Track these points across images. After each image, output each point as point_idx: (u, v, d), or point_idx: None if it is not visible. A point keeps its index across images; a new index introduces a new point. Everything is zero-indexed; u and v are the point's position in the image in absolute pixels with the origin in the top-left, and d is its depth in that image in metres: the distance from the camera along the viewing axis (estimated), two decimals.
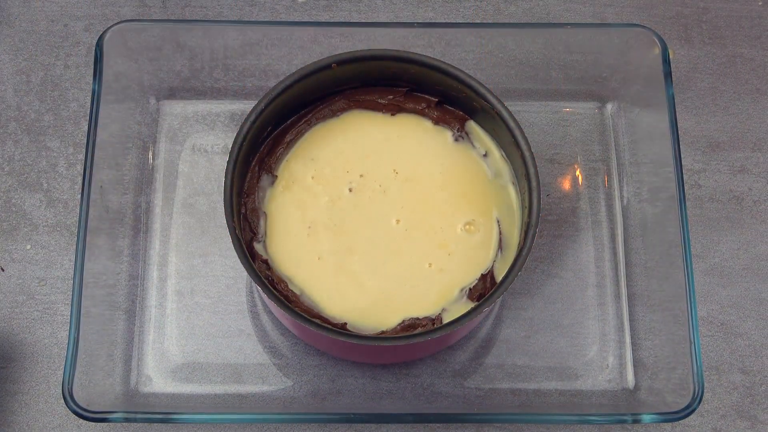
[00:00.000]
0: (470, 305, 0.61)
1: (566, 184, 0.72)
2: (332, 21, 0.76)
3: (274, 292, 0.61)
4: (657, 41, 0.69)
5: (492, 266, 0.63)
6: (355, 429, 0.67)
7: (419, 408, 0.67)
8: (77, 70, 0.74)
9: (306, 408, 0.67)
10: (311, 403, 0.67)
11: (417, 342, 0.58)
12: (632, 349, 0.68)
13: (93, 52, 0.71)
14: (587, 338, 0.69)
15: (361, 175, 0.64)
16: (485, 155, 0.65)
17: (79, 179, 0.71)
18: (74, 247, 0.69)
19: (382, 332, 0.61)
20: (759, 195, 0.73)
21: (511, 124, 0.62)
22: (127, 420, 0.63)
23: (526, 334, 0.69)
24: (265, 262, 0.62)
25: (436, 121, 0.66)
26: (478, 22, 0.76)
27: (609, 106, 0.74)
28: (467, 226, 0.63)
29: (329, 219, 0.63)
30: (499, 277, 0.62)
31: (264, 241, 0.63)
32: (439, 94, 0.66)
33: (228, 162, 0.61)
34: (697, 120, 0.74)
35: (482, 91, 0.63)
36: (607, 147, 0.73)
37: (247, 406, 0.67)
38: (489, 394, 0.67)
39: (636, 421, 0.64)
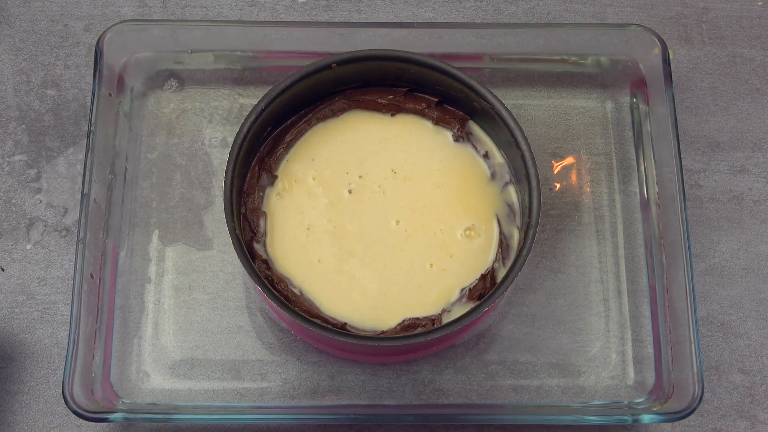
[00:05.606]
0: (470, 305, 0.61)
1: (568, 179, 0.72)
2: (332, 21, 0.76)
3: (274, 292, 0.61)
4: (657, 41, 0.69)
5: (492, 266, 0.63)
6: (355, 427, 0.67)
7: (420, 406, 0.66)
8: (77, 70, 0.74)
9: (305, 405, 0.66)
10: (310, 399, 0.67)
11: (417, 342, 0.58)
12: (633, 348, 0.68)
13: (93, 52, 0.70)
14: (590, 335, 0.68)
15: (360, 176, 0.64)
16: (485, 155, 0.65)
17: (79, 179, 0.71)
18: (74, 246, 0.69)
19: (382, 332, 0.61)
20: (759, 195, 0.73)
21: (511, 124, 0.62)
22: (126, 420, 0.63)
23: (528, 330, 0.68)
24: (265, 262, 0.62)
25: (436, 122, 0.66)
26: (478, 22, 0.76)
27: (609, 106, 0.73)
28: (467, 231, 0.63)
29: (329, 221, 0.63)
30: (499, 277, 0.62)
31: (264, 241, 0.63)
32: (439, 94, 0.66)
33: (228, 161, 0.61)
34: (697, 120, 0.74)
35: (482, 90, 0.63)
36: (609, 144, 0.72)
37: (246, 402, 0.66)
38: (490, 391, 0.67)
39: (636, 422, 0.64)
